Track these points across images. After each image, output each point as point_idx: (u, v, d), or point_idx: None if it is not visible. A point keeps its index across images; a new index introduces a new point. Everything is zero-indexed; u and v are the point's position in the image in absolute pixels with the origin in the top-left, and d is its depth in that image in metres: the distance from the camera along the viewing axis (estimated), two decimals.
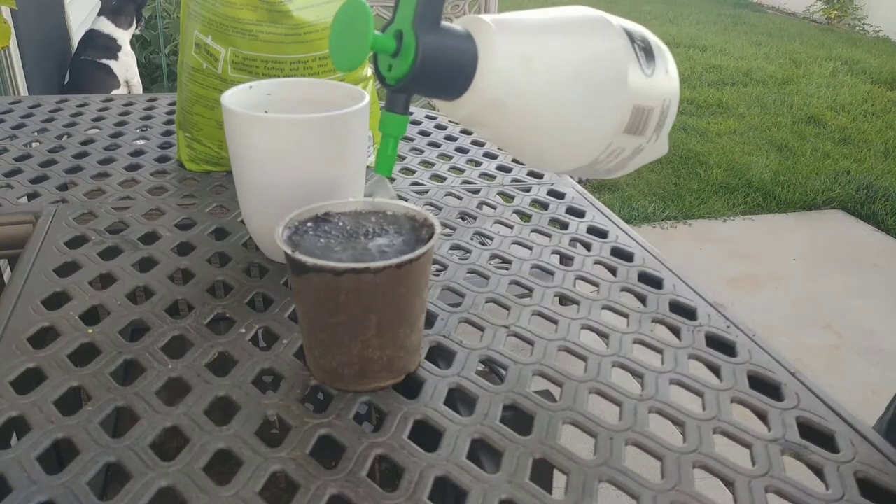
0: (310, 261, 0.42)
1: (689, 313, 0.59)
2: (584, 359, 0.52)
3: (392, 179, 0.82)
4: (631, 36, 0.47)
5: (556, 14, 0.47)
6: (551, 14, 0.47)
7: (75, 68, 2.57)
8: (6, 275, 1.03)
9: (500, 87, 0.44)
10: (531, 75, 0.44)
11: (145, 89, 2.99)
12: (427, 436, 0.44)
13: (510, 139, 0.48)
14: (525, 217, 0.75)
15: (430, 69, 0.42)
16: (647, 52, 0.48)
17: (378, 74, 0.45)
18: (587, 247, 0.69)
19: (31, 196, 0.74)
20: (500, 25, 0.43)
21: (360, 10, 0.42)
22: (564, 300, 0.60)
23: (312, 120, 0.54)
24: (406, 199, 0.76)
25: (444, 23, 0.43)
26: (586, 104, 0.46)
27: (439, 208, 0.75)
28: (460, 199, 0.78)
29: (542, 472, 0.42)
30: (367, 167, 0.70)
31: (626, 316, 0.58)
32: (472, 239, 0.69)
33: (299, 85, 0.62)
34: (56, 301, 0.55)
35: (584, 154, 0.48)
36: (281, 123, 0.54)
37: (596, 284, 0.62)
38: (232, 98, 0.57)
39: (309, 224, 0.47)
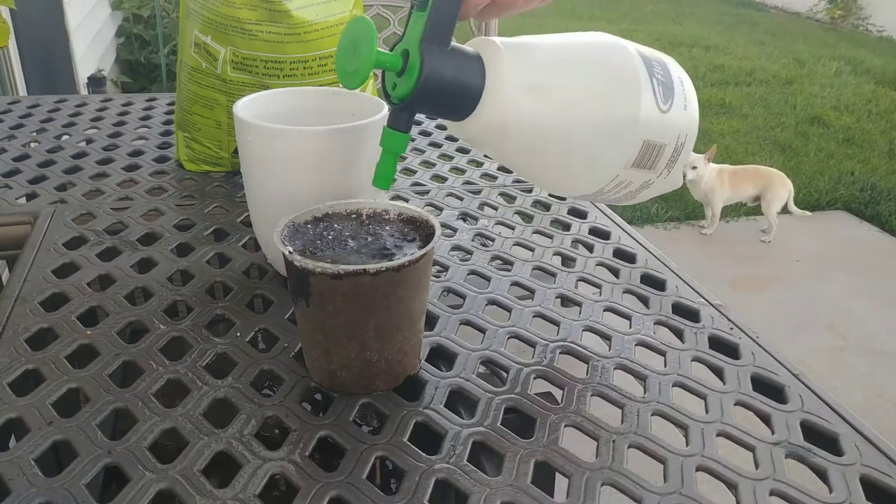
0: (308, 263, 0.41)
1: (691, 315, 0.58)
2: (586, 361, 0.51)
3: (393, 180, 0.81)
4: (650, 68, 0.45)
5: (573, 40, 0.45)
6: (568, 39, 0.45)
7: None
8: (4, 276, 1.02)
9: (506, 114, 0.42)
10: (538, 104, 0.43)
11: (144, 89, 2.99)
12: (427, 438, 0.43)
13: (513, 163, 0.48)
14: (526, 218, 0.74)
15: (433, 90, 0.41)
16: (666, 87, 0.45)
17: (384, 91, 0.45)
18: (589, 248, 0.68)
19: (30, 196, 0.74)
20: (511, 50, 0.42)
21: (365, 29, 0.42)
22: (566, 301, 0.59)
23: (333, 131, 0.52)
24: (407, 200, 0.76)
25: (455, 44, 0.42)
26: (593, 137, 0.44)
27: (440, 209, 0.75)
28: (461, 199, 0.77)
29: (544, 476, 0.41)
30: None
31: (628, 317, 0.57)
32: (473, 240, 0.68)
33: (312, 94, 0.60)
34: (54, 302, 0.55)
35: (587, 184, 0.47)
36: (303, 135, 0.52)
37: (598, 286, 0.62)
38: (244, 108, 0.54)
39: (308, 225, 0.47)
